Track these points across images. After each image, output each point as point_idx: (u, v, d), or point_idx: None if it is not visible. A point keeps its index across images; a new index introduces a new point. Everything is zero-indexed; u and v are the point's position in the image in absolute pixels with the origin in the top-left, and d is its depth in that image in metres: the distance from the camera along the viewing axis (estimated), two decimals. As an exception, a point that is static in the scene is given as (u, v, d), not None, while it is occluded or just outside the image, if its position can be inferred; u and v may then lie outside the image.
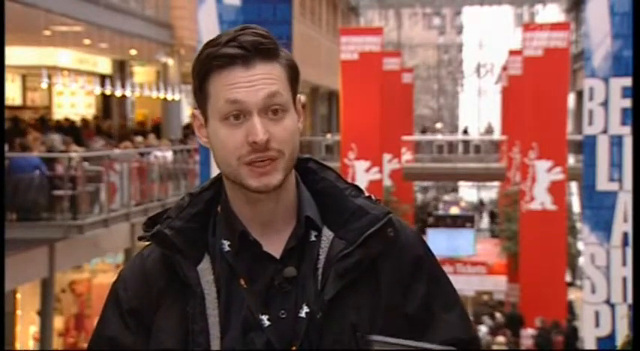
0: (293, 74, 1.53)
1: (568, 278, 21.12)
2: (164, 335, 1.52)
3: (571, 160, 22.43)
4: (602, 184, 7.96)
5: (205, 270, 1.52)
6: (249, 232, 1.53)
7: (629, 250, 7.69)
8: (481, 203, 42.02)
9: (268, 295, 1.51)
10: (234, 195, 1.54)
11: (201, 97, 1.52)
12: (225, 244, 1.54)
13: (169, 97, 20.39)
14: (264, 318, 1.49)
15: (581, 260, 16.19)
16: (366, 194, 1.59)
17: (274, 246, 1.53)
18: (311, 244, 1.54)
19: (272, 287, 1.51)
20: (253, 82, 1.47)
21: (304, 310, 1.50)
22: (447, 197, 41.20)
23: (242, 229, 1.53)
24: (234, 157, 1.47)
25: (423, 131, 34.32)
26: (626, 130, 7.79)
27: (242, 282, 1.51)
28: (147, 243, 1.60)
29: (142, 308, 1.54)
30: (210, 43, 1.50)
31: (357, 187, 1.60)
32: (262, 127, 1.45)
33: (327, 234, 1.54)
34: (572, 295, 19.47)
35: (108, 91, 19.24)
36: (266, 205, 1.53)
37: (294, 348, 1.49)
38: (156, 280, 1.54)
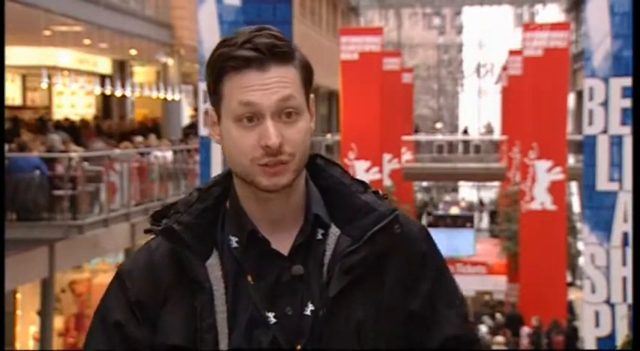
0: (307, 75, 1.53)
1: (568, 278, 21.11)
2: (171, 330, 1.51)
3: (571, 160, 22.43)
4: (602, 184, 7.96)
5: (214, 266, 1.53)
6: (257, 229, 1.53)
7: (629, 250, 7.69)
8: (481, 203, 42.01)
9: (275, 292, 1.51)
10: (244, 193, 1.54)
11: (214, 96, 1.52)
12: (233, 241, 1.54)
13: (169, 97, 20.40)
14: (271, 315, 1.50)
15: (581, 260, 16.19)
16: (373, 189, 1.60)
17: (282, 243, 1.53)
18: (318, 241, 1.55)
19: (279, 284, 1.51)
20: (268, 86, 1.47)
21: (309, 308, 1.50)
22: (447, 197, 41.21)
23: (251, 228, 1.53)
24: (247, 158, 1.48)
25: (415, 131, 34.24)
26: (626, 130, 7.79)
27: (249, 278, 1.52)
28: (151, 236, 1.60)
29: (149, 302, 1.54)
30: (226, 43, 1.50)
31: (364, 183, 1.60)
32: (275, 130, 1.46)
33: (334, 231, 1.55)
34: (572, 295, 19.47)
35: (108, 91, 19.26)
36: (276, 203, 1.53)
37: (299, 346, 1.49)
38: (164, 274, 1.54)
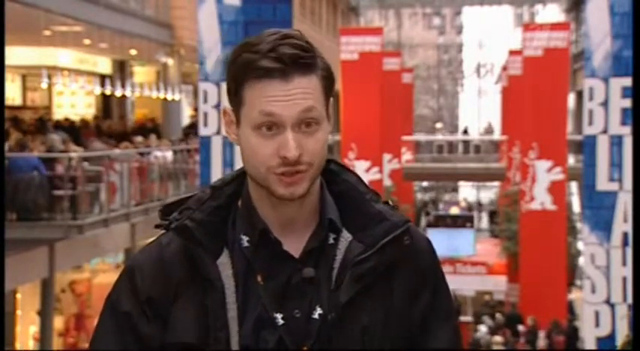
0: (329, 84, 1.54)
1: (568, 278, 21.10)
2: (182, 328, 1.52)
3: (571, 160, 22.42)
4: (602, 184, 7.97)
5: (225, 264, 1.53)
6: (269, 229, 1.53)
7: (629, 250, 7.70)
8: (479, 204, 41.96)
9: (284, 293, 1.52)
10: (258, 196, 1.55)
11: (235, 100, 1.52)
12: (244, 240, 1.55)
13: (169, 97, 20.40)
14: (279, 316, 1.50)
15: (581, 260, 16.18)
16: (383, 200, 1.61)
17: (293, 245, 1.54)
18: (329, 246, 1.55)
19: (289, 286, 1.52)
20: (290, 97, 1.47)
21: (317, 312, 1.51)
22: (447, 197, 41.16)
23: (263, 227, 1.53)
24: (263, 166, 1.48)
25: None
26: (626, 130, 7.80)
27: (259, 278, 1.52)
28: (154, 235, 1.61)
29: (159, 298, 1.54)
30: (250, 48, 1.49)
31: (377, 193, 1.61)
32: (295, 142, 1.46)
33: (346, 236, 1.56)
34: (572, 295, 19.46)
35: (108, 91, 19.26)
36: (289, 208, 1.54)
37: (305, 348, 1.50)
38: (175, 270, 1.54)
